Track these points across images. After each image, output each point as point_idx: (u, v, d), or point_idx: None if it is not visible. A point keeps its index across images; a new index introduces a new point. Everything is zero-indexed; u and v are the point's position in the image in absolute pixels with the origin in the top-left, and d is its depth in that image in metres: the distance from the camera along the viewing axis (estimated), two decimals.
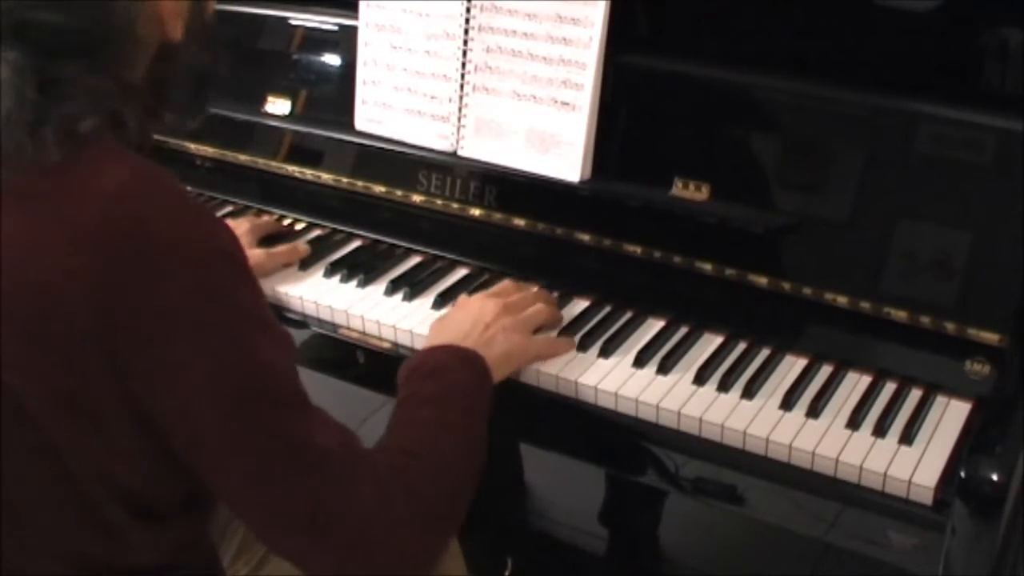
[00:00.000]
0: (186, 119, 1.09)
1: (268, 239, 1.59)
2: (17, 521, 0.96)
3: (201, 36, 1.04)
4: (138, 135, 0.96)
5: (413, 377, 1.15)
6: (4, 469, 0.93)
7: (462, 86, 1.48)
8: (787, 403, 1.21)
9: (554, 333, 1.34)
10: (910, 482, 1.09)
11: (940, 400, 1.21)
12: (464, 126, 1.48)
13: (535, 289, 1.40)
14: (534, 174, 1.43)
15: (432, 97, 1.50)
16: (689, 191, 1.35)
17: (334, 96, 1.63)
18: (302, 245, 1.56)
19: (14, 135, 0.86)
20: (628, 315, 1.39)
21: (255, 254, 1.50)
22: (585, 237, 1.42)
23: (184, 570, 1.06)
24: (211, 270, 0.90)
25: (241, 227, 1.56)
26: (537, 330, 1.32)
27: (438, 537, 1.05)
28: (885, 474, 1.10)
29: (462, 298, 1.37)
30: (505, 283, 1.39)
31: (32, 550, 0.98)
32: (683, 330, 1.35)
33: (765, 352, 1.31)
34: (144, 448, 0.93)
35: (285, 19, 1.68)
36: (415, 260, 1.55)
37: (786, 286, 1.29)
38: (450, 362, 1.17)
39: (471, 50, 1.46)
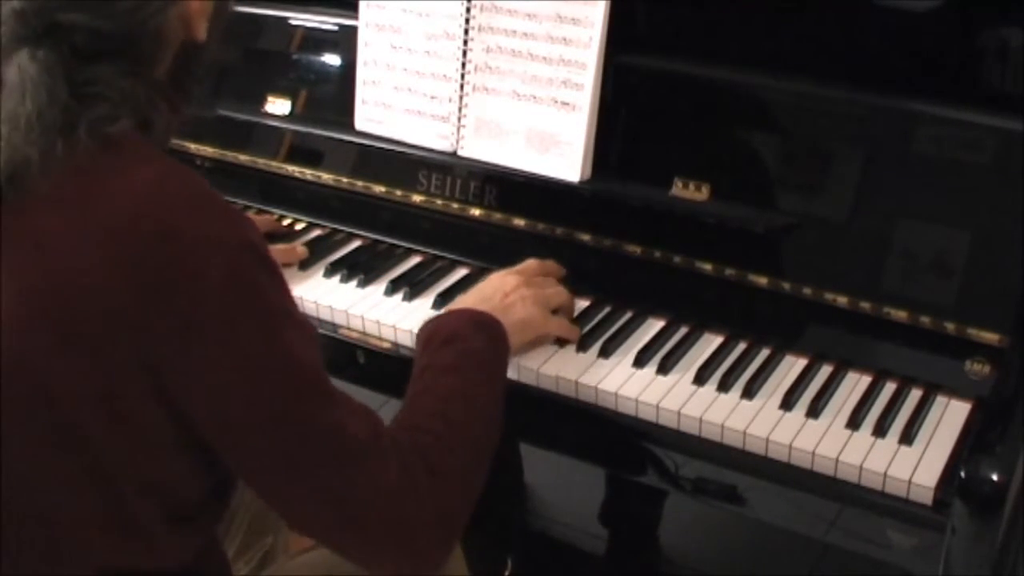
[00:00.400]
0: (192, 110, 1.11)
1: (267, 238, 1.59)
2: (43, 528, 0.96)
3: (221, 33, 1.06)
4: (165, 135, 0.98)
5: (430, 345, 1.16)
6: (36, 475, 0.93)
7: (462, 86, 1.48)
8: (787, 403, 1.21)
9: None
10: (910, 482, 1.09)
11: (940, 400, 1.21)
12: (464, 126, 1.48)
13: (557, 272, 1.39)
14: (534, 174, 1.43)
15: (432, 97, 1.50)
16: (689, 191, 1.35)
17: (334, 96, 1.63)
18: (300, 247, 1.55)
19: (45, 135, 0.87)
20: (628, 315, 1.39)
21: None
22: (585, 237, 1.42)
23: (199, 573, 1.06)
24: (240, 267, 0.90)
25: None
26: (555, 311, 1.33)
27: (460, 509, 1.06)
28: (885, 474, 1.10)
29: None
30: (530, 261, 1.38)
31: (55, 559, 0.98)
32: (683, 330, 1.35)
33: (765, 352, 1.31)
34: (175, 443, 0.94)
35: (285, 19, 1.68)
36: (415, 260, 1.55)
37: (786, 286, 1.29)
38: (466, 329, 1.17)
39: (471, 50, 1.46)
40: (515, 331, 1.22)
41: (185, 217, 0.88)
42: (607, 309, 1.40)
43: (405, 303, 1.44)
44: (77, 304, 0.87)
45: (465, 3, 1.45)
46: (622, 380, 1.26)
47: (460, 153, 1.49)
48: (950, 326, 1.20)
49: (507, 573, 1.86)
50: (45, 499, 0.95)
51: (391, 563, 1.01)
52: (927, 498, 1.09)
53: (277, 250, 1.53)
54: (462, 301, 1.28)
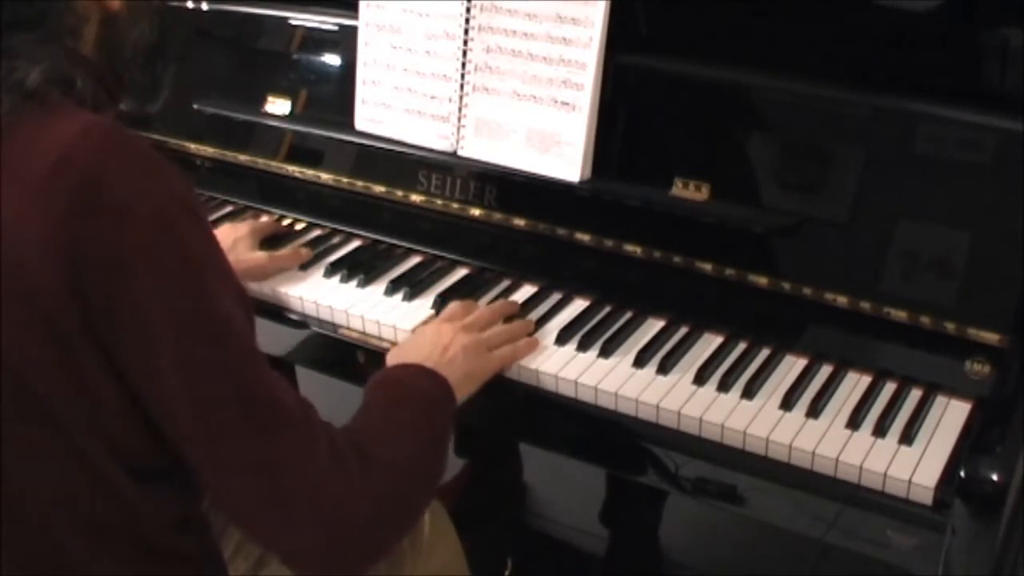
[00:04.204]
0: (144, 103, 1.11)
1: (269, 240, 1.59)
2: (29, 493, 0.96)
3: (144, 11, 1.05)
4: (92, 102, 0.97)
5: (379, 387, 1.15)
6: (8, 438, 0.94)
7: (462, 86, 1.48)
8: (787, 403, 1.21)
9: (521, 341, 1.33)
10: (910, 482, 1.09)
11: (940, 400, 1.21)
12: (464, 126, 1.48)
13: (491, 305, 1.39)
14: (534, 174, 1.43)
15: (432, 97, 1.50)
16: (689, 191, 1.35)
17: (334, 96, 1.63)
18: (304, 250, 1.55)
19: None
20: (628, 315, 1.39)
21: (256, 256, 1.50)
22: (585, 237, 1.42)
23: (186, 556, 1.07)
24: (166, 219, 0.90)
25: (242, 230, 1.56)
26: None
27: (392, 514, 1.03)
28: (885, 474, 1.10)
29: (419, 327, 1.37)
30: (453, 305, 1.38)
31: (48, 523, 0.98)
32: (683, 330, 1.35)
33: (765, 352, 1.31)
34: (122, 402, 0.94)
35: (285, 19, 1.68)
36: (415, 260, 1.55)
37: (786, 286, 1.29)
38: (415, 374, 1.17)
39: (471, 50, 1.46)
40: (460, 383, 1.20)
41: (109, 167, 0.88)
42: (607, 309, 1.40)
43: (405, 303, 1.44)
44: (17, 259, 0.87)
45: (465, 3, 1.45)
46: (622, 380, 1.26)
47: (460, 153, 1.49)
48: (950, 326, 1.20)
49: (507, 573, 1.86)
50: (18, 458, 0.95)
51: (314, 557, 0.98)
52: (927, 498, 1.09)
53: (281, 255, 1.53)
54: (400, 356, 1.25)
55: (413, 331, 1.37)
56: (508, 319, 1.38)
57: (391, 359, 1.28)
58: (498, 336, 1.31)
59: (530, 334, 1.34)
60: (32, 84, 0.91)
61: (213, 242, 0.97)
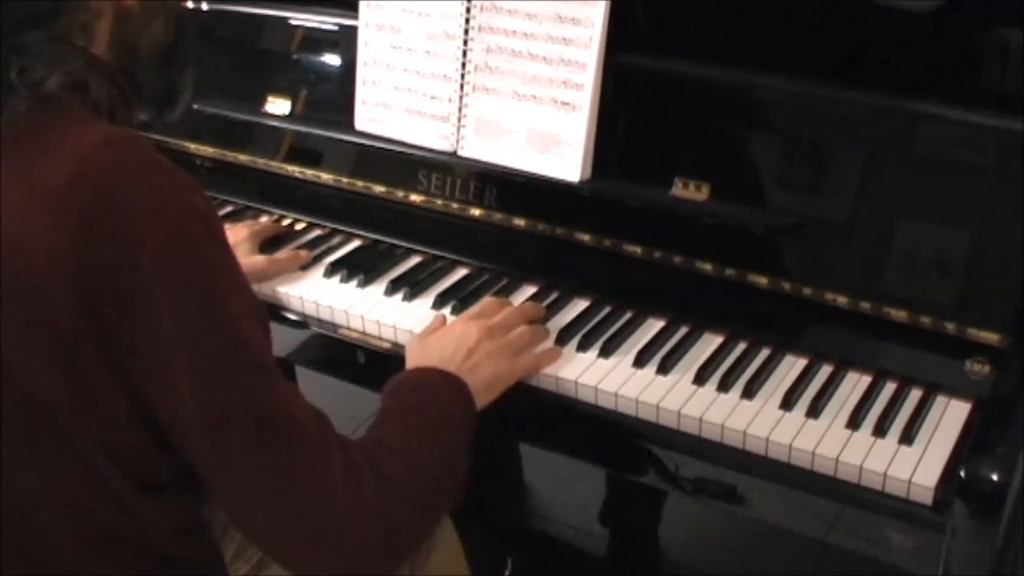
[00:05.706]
0: (163, 110, 1.10)
1: (268, 241, 1.59)
2: (30, 500, 0.96)
3: (159, 10, 1.04)
4: (108, 107, 0.97)
5: (398, 391, 1.15)
6: (8, 443, 0.93)
7: (462, 86, 1.48)
8: (787, 403, 1.21)
9: (539, 348, 1.32)
10: (910, 482, 1.09)
11: (940, 400, 1.21)
12: (464, 126, 1.48)
13: (520, 305, 1.38)
14: (534, 174, 1.43)
15: (432, 97, 1.50)
16: (689, 191, 1.35)
17: (334, 96, 1.63)
18: (303, 252, 1.55)
19: None
20: (628, 315, 1.39)
21: (256, 260, 1.50)
22: (585, 237, 1.42)
23: (187, 561, 1.07)
24: (180, 231, 0.90)
25: (241, 233, 1.55)
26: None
27: (407, 526, 1.03)
28: (885, 474, 1.10)
29: (448, 320, 1.35)
30: (487, 301, 1.38)
31: (50, 530, 0.98)
32: (683, 330, 1.35)
33: (765, 352, 1.31)
34: (130, 414, 0.94)
35: (285, 19, 1.68)
36: (415, 260, 1.55)
37: (786, 286, 1.29)
38: (435, 380, 1.16)
39: (471, 50, 1.46)
40: (481, 390, 1.19)
41: (124, 182, 0.88)
42: (607, 309, 1.40)
43: (405, 303, 1.44)
44: (27, 269, 0.87)
45: (465, 3, 1.45)
46: (622, 380, 1.26)
47: (460, 153, 1.49)
48: (950, 326, 1.20)
49: (507, 573, 1.86)
50: (21, 467, 0.95)
51: (327, 573, 0.98)
52: (927, 498, 1.09)
53: (280, 259, 1.52)
54: (423, 358, 1.23)
55: (418, 335, 1.34)
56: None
57: (412, 353, 1.26)
58: (520, 338, 1.29)
59: None
60: (50, 88, 0.91)
61: (229, 255, 0.96)
